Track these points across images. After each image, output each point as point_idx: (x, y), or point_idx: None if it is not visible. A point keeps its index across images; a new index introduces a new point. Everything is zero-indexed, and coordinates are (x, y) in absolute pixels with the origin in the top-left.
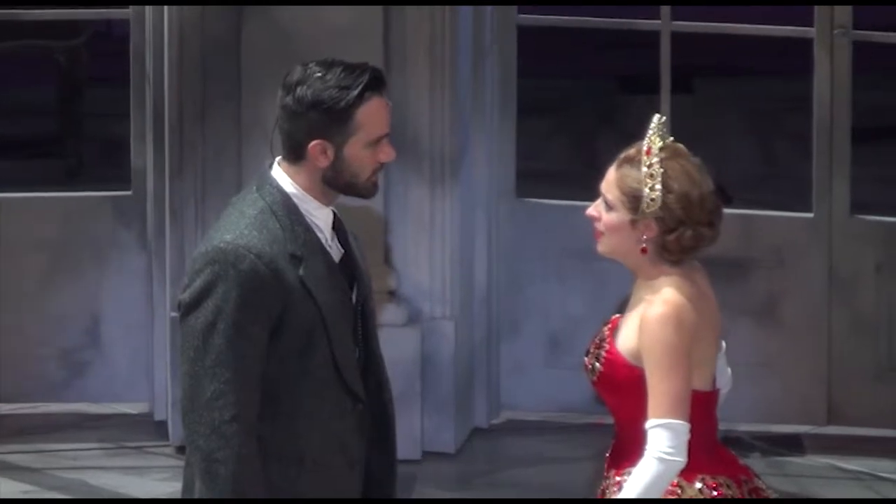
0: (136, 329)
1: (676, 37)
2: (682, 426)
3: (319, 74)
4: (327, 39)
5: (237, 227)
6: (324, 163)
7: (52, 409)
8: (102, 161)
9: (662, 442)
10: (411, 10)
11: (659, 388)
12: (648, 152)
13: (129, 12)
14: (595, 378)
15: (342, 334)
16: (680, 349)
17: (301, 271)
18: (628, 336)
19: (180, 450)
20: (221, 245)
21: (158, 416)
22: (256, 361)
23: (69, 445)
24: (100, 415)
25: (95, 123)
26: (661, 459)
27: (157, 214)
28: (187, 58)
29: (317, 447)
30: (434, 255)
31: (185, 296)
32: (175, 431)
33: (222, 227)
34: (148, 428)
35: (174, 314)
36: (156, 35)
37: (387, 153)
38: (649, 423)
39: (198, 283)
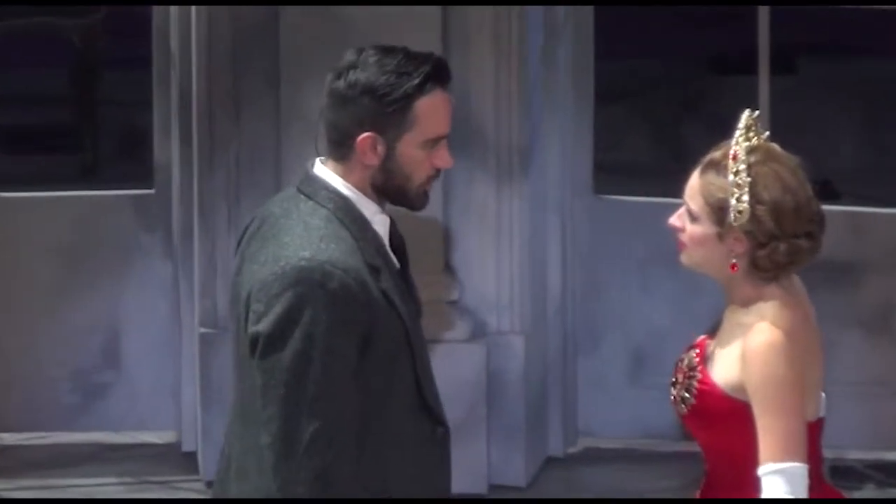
0: (160, 347)
1: (776, 11)
2: (801, 469)
3: (376, 58)
4: (380, 20)
5: (309, 240)
6: (373, 160)
7: (66, 439)
8: (122, 156)
9: (780, 489)
10: None
11: (772, 429)
12: (735, 157)
13: None
14: (686, 411)
15: (421, 349)
16: (792, 382)
17: (382, 283)
18: (727, 366)
19: (210, 484)
20: (302, 263)
21: (187, 447)
22: (354, 389)
23: (85, 480)
24: (120, 445)
25: (114, 113)
26: None
27: (183, 216)
28: (218, 39)
29: (404, 482)
30: (501, 261)
31: (263, 327)
32: (206, 464)
33: (288, 243)
34: (175, 460)
35: (204, 330)
36: (182, 12)
37: (444, 158)
38: (763, 469)
39: (277, 309)
